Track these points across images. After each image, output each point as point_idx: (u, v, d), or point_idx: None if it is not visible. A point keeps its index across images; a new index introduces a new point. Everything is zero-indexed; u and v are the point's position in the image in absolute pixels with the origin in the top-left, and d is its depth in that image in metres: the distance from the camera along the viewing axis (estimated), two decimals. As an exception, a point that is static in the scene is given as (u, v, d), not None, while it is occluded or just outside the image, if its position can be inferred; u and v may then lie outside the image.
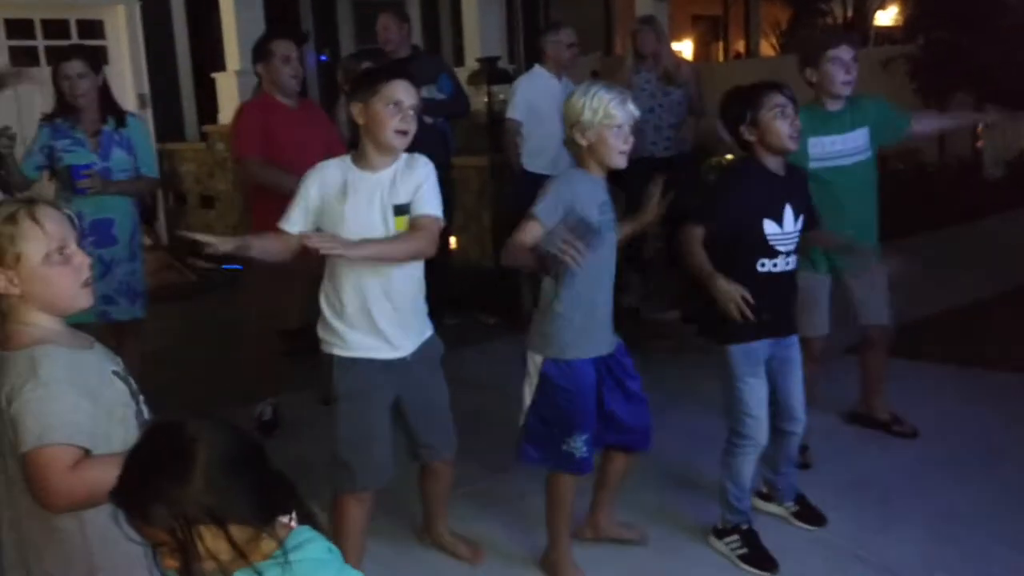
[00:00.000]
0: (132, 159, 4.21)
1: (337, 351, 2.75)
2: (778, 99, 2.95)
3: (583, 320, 2.86)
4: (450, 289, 5.59)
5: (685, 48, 14.36)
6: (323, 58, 11.13)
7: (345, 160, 2.77)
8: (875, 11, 12.70)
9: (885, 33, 12.98)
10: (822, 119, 3.63)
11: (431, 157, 2.83)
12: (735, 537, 3.18)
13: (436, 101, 5.45)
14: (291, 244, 2.72)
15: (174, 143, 9.24)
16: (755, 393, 3.06)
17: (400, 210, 2.74)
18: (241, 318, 4.99)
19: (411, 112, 2.70)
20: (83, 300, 1.92)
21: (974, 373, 4.66)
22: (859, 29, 11.79)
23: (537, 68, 5.60)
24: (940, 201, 8.09)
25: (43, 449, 1.76)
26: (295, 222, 2.74)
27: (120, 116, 4.23)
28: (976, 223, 7.96)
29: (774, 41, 13.95)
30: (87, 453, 1.81)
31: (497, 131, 6.29)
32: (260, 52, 4.30)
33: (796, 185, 3.10)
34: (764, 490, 3.43)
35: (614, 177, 6.32)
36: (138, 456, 1.40)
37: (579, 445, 2.88)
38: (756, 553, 3.13)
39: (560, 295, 2.84)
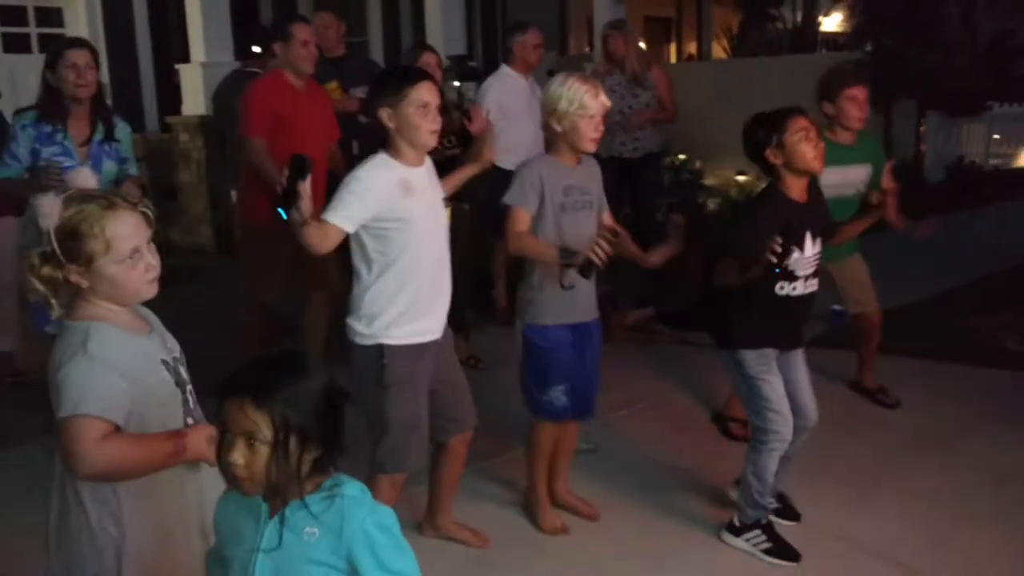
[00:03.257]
0: (118, 168, 3.99)
1: (387, 341, 2.84)
2: (803, 123, 3.08)
3: (559, 290, 3.16)
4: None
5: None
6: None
7: (387, 159, 2.83)
8: (821, 17, 13.09)
9: (830, 39, 13.40)
10: (835, 151, 3.80)
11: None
12: (756, 532, 3.25)
13: None
14: (333, 239, 2.76)
15: (134, 134, 9.16)
16: (775, 388, 3.16)
17: (446, 202, 2.98)
18: (213, 306, 5.05)
19: (437, 110, 2.84)
20: (147, 293, 2.03)
21: (929, 366, 4.96)
22: (807, 35, 12.18)
23: (504, 68, 5.77)
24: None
25: (77, 418, 1.87)
26: (352, 221, 2.75)
27: (110, 125, 3.93)
28: (919, 224, 8.31)
29: (725, 44, 14.28)
30: (117, 429, 1.91)
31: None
32: (281, 32, 4.41)
33: (817, 210, 3.20)
34: None
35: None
36: (266, 359, 1.60)
37: (557, 395, 3.24)
38: (780, 545, 3.23)
39: (539, 268, 3.16)
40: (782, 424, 3.16)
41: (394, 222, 2.79)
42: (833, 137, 4.01)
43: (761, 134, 3.13)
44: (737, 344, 3.19)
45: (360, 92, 5.62)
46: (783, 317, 3.17)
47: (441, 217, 2.96)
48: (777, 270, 2.90)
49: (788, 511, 3.47)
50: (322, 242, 2.75)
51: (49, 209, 1.91)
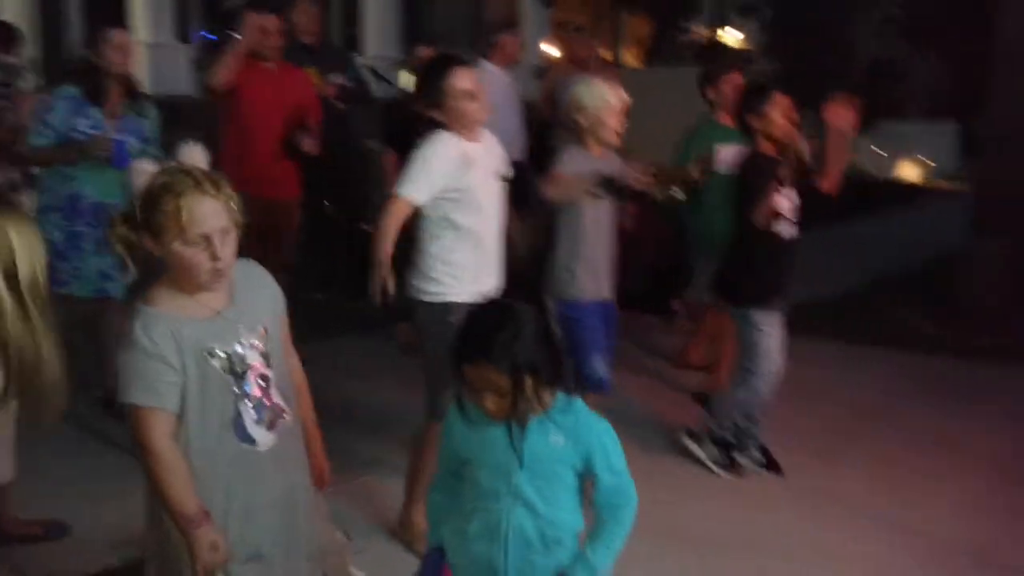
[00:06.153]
0: (143, 147, 4.13)
1: (454, 299, 3.14)
2: (783, 100, 3.69)
3: (583, 269, 3.59)
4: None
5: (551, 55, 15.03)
6: (213, 37, 11.02)
7: (447, 135, 3.16)
8: (721, 31, 13.92)
9: (734, 53, 14.20)
10: (724, 132, 4.42)
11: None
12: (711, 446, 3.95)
13: (348, 88, 5.91)
14: (403, 212, 3.13)
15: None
16: (775, 340, 3.80)
17: (502, 178, 3.33)
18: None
19: (480, 92, 3.17)
20: (207, 284, 2.02)
21: (854, 350, 5.60)
22: (716, 49, 12.95)
23: (485, 63, 6.12)
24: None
25: (133, 406, 1.99)
26: (422, 193, 3.11)
27: (138, 100, 4.18)
28: (811, 229, 9.02)
29: (636, 53, 14.95)
30: (169, 413, 1.99)
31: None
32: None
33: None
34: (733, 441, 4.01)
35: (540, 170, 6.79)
36: (480, 320, 1.96)
37: (597, 364, 3.53)
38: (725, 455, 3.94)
39: (570, 249, 3.58)
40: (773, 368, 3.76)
41: (458, 192, 3.13)
42: (720, 120, 4.49)
43: (750, 101, 3.74)
44: (749, 304, 3.75)
45: (337, 78, 5.88)
46: (783, 264, 3.73)
47: (497, 187, 3.29)
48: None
49: (772, 464, 4.00)
50: (394, 216, 3.09)
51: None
